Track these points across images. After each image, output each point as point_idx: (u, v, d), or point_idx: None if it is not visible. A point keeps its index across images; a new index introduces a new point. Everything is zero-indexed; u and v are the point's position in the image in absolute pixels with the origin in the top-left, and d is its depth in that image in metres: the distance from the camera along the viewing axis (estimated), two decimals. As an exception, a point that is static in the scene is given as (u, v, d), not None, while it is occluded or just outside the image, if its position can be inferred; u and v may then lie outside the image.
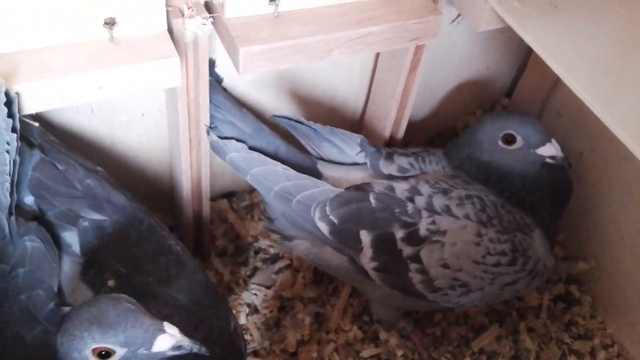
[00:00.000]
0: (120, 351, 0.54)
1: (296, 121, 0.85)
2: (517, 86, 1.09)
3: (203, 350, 0.55)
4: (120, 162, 0.88)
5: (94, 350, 0.53)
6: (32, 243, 0.63)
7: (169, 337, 0.53)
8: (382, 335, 0.93)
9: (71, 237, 0.67)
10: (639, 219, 0.90)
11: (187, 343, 0.54)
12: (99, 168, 0.74)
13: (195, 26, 0.65)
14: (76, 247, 0.67)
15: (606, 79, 0.67)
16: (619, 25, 0.72)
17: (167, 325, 0.54)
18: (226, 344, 0.67)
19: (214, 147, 0.81)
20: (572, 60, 0.68)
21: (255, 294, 0.94)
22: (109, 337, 0.53)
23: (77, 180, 0.69)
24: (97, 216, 0.68)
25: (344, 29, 0.71)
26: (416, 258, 0.78)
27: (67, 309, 0.60)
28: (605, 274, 0.97)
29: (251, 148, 0.81)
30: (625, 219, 0.92)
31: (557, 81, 1.01)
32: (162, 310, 0.62)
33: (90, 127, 0.82)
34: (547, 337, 0.95)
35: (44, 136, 0.71)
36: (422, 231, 0.78)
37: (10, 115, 0.59)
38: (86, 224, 0.68)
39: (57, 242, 0.66)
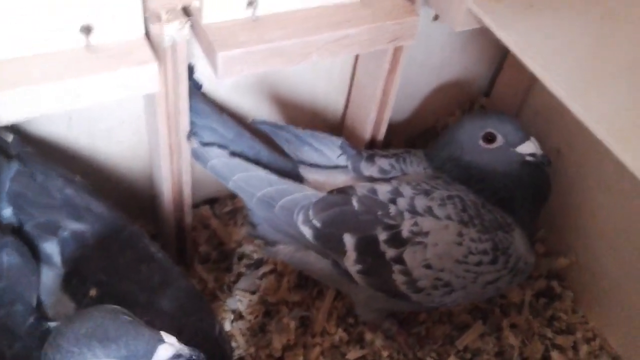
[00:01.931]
0: None
1: (276, 126, 0.85)
2: (494, 86, 1.10)
3: (202, 357, 0.55)
4: (101, 171, 0.87)
5: None
6: (8, 257, 0.62)
7: (169, 347, 0.53)
8: (368, 336, 0.93)
9: (51, 248, 0.67)
10: (616, 214, 0.91)
11: (186, 351, 0.53)
12: (77, 177, 0.73)
13: (173, 31, 0.65)
14: (57, 258, 0.66)
15: (582, 76, 0.67)
16: (594, 24, 0.73)
17: (165, 335, 0.53)
18: (211, 348, 0.67)
19: (195, 155, 0.80)
20: (548, 58, 0.69)
21: (240, 300, 0.94)
22: (111, 351, 0.51)
23: (57, 190, 0.68)
24: (77, 226, 0.68)
25: (321, 31, 0.71)
26: (399, 260, 0.78)
27: (52, 324, 0.58)
28: (585, 268, 0.98)
29: (232, 153, 0.81)
30: (603, 213, 0.93)
31: (534, 80, 1.02)
32: (142, 317, 0.61)
33: (69, 136, 0.81)
34: (530, 332, 0.96)
35: (22, 147, 0.70)
36: (405, 233, 0.78)
37: None
38: (66, 233, 0.67)
39: (36, 254, 0.65)
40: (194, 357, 0.54)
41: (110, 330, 0.52)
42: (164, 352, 0.53)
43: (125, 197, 0.91)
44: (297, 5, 0.72)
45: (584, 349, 0.95)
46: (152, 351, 0.52)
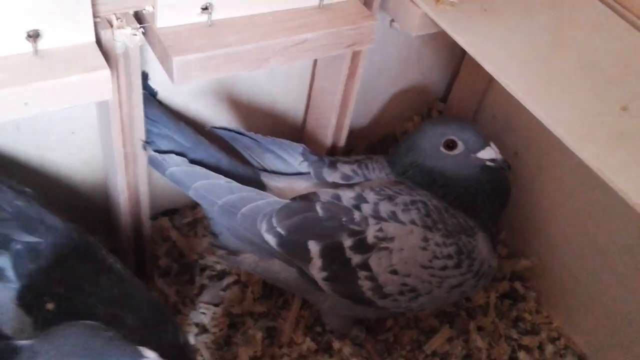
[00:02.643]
0: None
1: (236, 132, 0.83)
2: (451, 91, 1.11)
3: None
4: (52, 184, 0.84)
5: None
6: None
7: None
8: (336, 344, 0.92)
9: (3, 262, 0.64)
10: (573, 213, 0.93)
11: None
12: (27, 189, 0.71)
13: (125, 37, 0.63)
14: (9, 272, 0.63)
15: (536, 76, 0.69)
16: (545, 26, 0.75)
17: (143, 350, 0.53)
18: (177, 358, 0.66)
19: (152, 162, 0.78)
20: (504, 60, 0.70)
21: (204, 313, 0.91)
22: None
23: (6, 202, 0.66)
24: (30, 238, 0.65)
25: (279, 36, 0.70)
26: (365, 266, 0.78)
27: (22, 342, 0.55)
28: (547, 269, 1.00)
29: (191, 162, 0.79)
30: (561, 214, 0.95)
31: (489, 84, 1.04)
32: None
33: (17, 148, 0.78)
34: (496, 334, 0.97)
35: (-34, 159, 0.68)
36: (370, 238, 0.78)
37: None
38: (19, 247, 0.64)
39: None
40: None
41: (94, 347, 0.50)
42: None
43: (79, 211, 0.87)
44: (253, 9, 0.71)
45: (549, 348, 0.96)
46: None
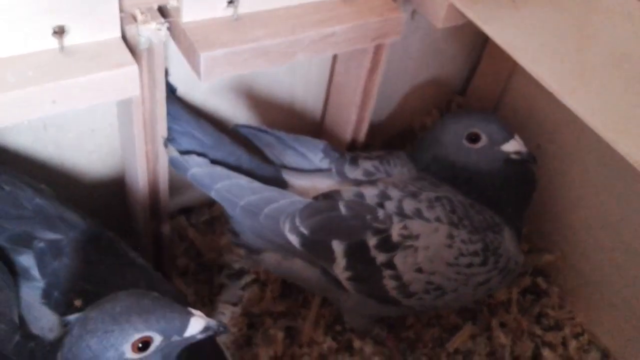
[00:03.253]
0: (158, 339, 0.53)
1: (260, 130, 0.81)
2: (471, 84, 1.09)
3: (227, 329, 0.58)
4: (70, 182, 0.82)
5: (134, 342, 0.52)
6: None
7: (200, 319, 0.53)
8: (357, 343, 0.90)
9: (27, 261, 0.63)
10: (598, 207, 0.91)
11: (213, 324, 0.55)
12: (43, 186, 0.69)
13: (150, 32, 0.61)
14: (34, 271, 0.63)
15: (569, 68, 0.67)
16: (576, 17, 0.73)
17: (192, 309, 0.54)
18: (208, 349, 0.66)
19: (174, 164, 0.76)
20: (535, 52, 0.69)
21: (223, 313, 0.90)
22: (152, 324, 0.52)
23: (27, 200, 0.64)
24: (52, 235, 0.64)
25: (306, 30, 0.68)
26: (390, 264, 0.76)
27: (72, 317, 0.55)
28: (570, 263, 0.98)
29: (212, 160, 0.77)
30: (586, 207, 0.93)
31: (510, 77, 1.02)
32: None
33: (36, 146, 0.76)
34: (519, 330, 0.95)
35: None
36: (395, 237, 0.76)
37: None
38: (42, 244, 0.63)
39: (12, 269, 0.62)
40: (221, 329, 0.55)
41: (146, 304, 0.52)
42: (195, 326, 0.54)
43: (97, 210, 0.85)
44: (279, 3, 0.69)
45: (573, 344, 0.95)
46: (186, 324, 0.53)
